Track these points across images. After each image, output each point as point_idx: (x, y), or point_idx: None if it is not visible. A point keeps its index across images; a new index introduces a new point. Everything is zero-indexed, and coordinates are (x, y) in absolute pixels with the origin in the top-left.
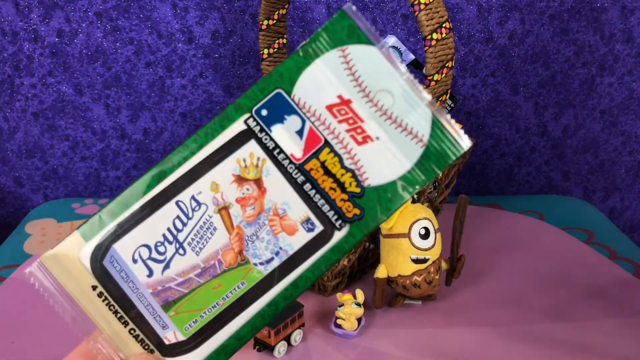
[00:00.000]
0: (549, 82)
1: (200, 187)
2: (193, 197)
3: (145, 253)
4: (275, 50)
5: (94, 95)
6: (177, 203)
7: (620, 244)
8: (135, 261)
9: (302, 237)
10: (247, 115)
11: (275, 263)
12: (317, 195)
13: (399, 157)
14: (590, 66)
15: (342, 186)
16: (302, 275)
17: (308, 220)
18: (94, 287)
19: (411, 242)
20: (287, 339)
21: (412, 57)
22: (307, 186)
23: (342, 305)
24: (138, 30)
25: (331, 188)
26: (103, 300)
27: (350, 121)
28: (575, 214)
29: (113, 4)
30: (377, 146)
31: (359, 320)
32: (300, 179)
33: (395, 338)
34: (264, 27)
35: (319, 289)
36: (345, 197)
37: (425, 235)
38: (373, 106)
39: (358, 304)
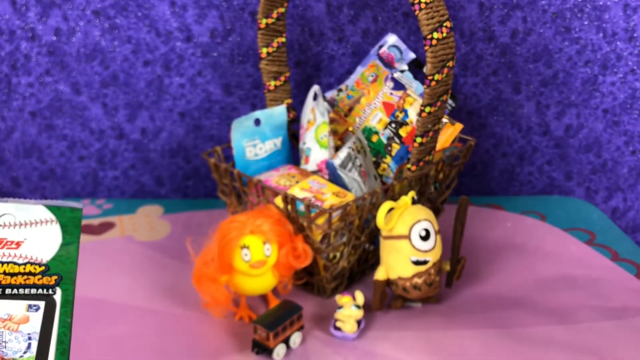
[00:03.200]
0: (551, 81)
1: None
2: None
3: None
4: (275, 49)
5: (91, 95)
6: None
7: (622, 245)
8: None
9: (37, 317)
10: None
11: (35, 343)
12: (13, 290)
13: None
14: (592, 65)
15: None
16: (59, 334)
17: (30, 306)
18: None
19: (411, 243)
20: (286, 341)
21: (412, 56)
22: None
23: (341, 307)
24: (136, 29)
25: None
26: None
27: None
28: (577, 215)
29: (111, 2)
30: None
31: (358, 322)
32: None
33: (395, 340)
34: (262, 25)
35: (318, 291)
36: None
37: (425, 237)
38: None
39: (357, 306)
